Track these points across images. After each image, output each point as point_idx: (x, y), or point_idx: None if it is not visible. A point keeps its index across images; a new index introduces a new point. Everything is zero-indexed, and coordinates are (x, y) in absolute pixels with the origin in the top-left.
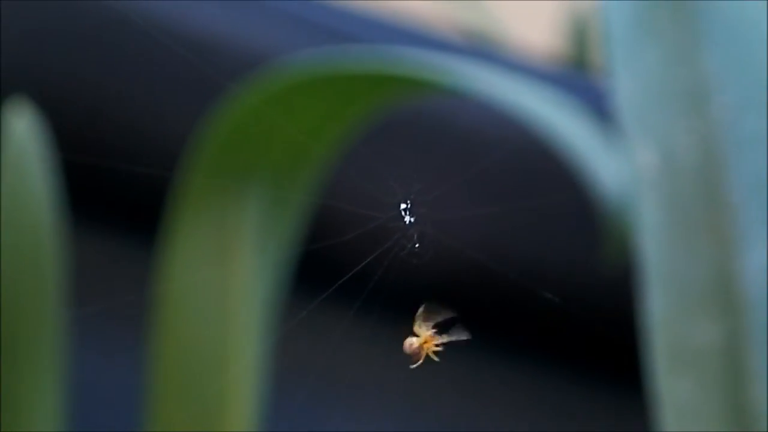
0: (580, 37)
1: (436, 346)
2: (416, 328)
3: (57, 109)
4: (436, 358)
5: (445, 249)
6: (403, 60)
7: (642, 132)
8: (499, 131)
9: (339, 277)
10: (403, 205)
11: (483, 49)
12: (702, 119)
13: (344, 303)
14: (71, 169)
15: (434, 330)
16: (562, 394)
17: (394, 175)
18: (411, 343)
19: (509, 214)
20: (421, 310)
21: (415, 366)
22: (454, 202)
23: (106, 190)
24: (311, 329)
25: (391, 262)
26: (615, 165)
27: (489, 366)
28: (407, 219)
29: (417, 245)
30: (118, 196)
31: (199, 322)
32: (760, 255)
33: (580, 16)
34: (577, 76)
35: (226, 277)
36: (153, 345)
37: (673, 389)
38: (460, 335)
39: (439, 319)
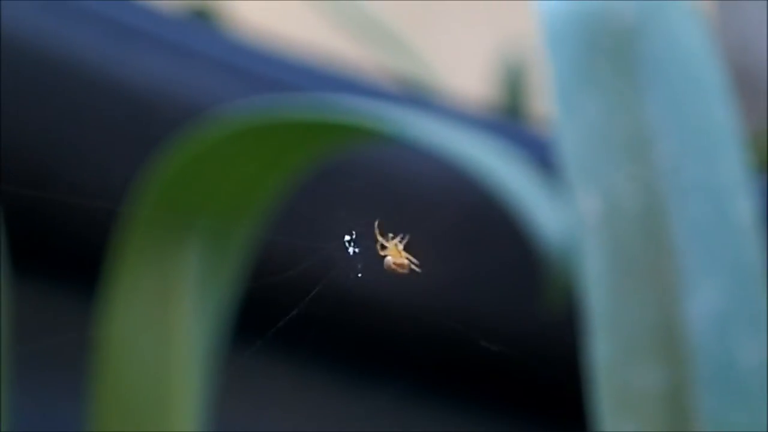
0: (512, 85)
1: (407, 259)
2: (385, 245)
3: None
4: (417, 270)
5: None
6: (341, 108)
7: (585, 178)
8: (438, 178)
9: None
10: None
11: (418, 97)
12: (644, 166)
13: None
14: (11, 217)
15: (398, 241)
16: None
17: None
18: (390, 261)
19: (453, 263)
20: (377, 226)
21: (405, 272)
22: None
23: (47, 237)
24: (256, 373)
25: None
26: (555, 211)
27: (436, 413)
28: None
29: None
30: (59, 243)
31: (140, 367)
32: (702, 300)
33: (512, 63)
34: (511, 124)
35: (167, 323)
36: (93, 390)
37: None
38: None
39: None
